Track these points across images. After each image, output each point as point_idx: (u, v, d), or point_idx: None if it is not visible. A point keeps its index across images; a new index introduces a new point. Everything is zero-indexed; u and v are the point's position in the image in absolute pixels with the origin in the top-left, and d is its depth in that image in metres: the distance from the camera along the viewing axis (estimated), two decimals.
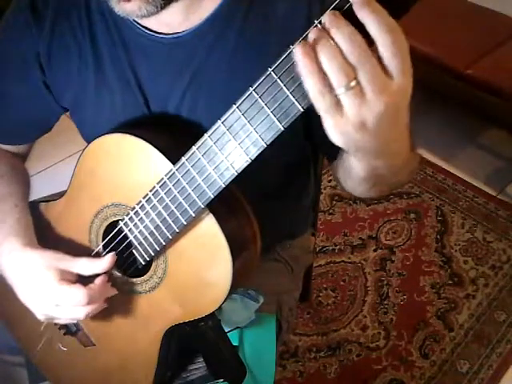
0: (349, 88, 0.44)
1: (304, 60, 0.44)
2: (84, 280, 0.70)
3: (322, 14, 0.45)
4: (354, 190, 0.73)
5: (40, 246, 0.76)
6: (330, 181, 2.13)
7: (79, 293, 0.68)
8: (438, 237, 1.94)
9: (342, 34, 0.43)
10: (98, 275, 0.70)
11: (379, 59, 0.44)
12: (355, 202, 2.06)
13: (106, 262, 0.69)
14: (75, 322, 0.76)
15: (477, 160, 2.22)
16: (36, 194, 0.90)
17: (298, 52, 0.45)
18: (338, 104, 0.45)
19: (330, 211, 2.03)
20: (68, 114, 0.84)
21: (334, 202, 2.06)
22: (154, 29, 0.69)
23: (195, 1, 0.66)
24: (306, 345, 1.63)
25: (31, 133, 0.89)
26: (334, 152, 0.73)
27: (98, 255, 0.75)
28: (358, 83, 0.44)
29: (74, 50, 0.74)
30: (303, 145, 0.82)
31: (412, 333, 1.66)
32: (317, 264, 1.81)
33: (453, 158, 2.22)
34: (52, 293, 0.70)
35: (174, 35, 0.68)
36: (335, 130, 0.47)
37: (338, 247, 1.91)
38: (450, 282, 1.80)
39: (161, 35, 0.69)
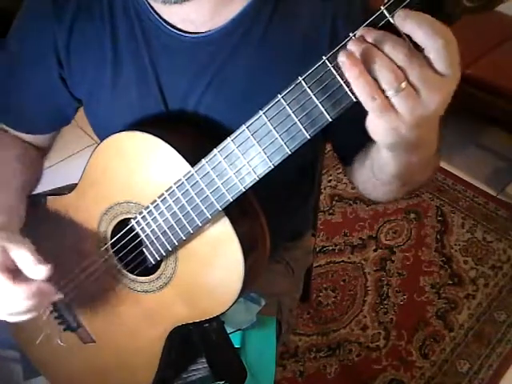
0: (399, 90, 0.44)
1: (350, 68, 0.44)
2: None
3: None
4: (377, 191, 0.72)
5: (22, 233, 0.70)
6: (329, 181, 2.13)
7: (14, 288, 0.62)
8: (438, 237, 1.94)
9: (383, 44, 0.44)
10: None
11: (429, 61, 0.44)
12: (355, 202, 2.06)
13: (41, 270, 0.63)
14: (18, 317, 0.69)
15: (477, 160, 2.22)
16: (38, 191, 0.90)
17: (343, 60, 0.44)
18: (390, 105, 0.45)
19: (330, 211, 2.03)
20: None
21: (334, 202, 2.06)
22: (178, 26, 0.69)
23: (221, 2, 0.66)
24: (306, 345, 1.63)
25: (46, 123, 0.87)
26: (352, 156, 0.73)
27: (106, 252, 0.74)
28: (409, 85, 0.44)
29: (94, 44, 0.73)
30: (316, 148, 0.82)
31: (412, 333, 1.66)
32: (317, 264, 1.81)
33: (453, 158, 2.22)
34: None
35: (199, 34, 0.68)
36: (385, 129, 0.46)
37: (337, 247, 1.91)
38: (450, 282, 1.80)
39: (185, 33, 0.68)
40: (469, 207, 2.05)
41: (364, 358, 1.60)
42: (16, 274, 0.64)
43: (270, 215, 0.68)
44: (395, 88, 0.44)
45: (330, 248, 1.90)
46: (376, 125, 0.47)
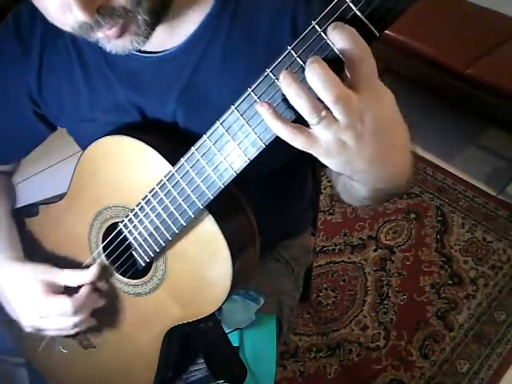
0: (321, 119, 0.45)
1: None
2: (71, 292, 0.73)
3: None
4: (354, 203, 0.73)
5: (27, 258, 0.79)
6: (329, 181, 2.13)
7: (65, 303, 0.71)
8: (438, 237, 1.94)
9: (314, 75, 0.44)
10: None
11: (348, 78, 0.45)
12: None
13: (90, 272, 0.73)
14: (63, 333, 0.78)
15: (477, 160, 2.22)
16: (36, 194, 0.90)
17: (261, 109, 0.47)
18: (315, 135, 0.47)
19: (330, 211, 2.03)
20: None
21: (334, 202, 2.06)
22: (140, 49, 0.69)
23: (177, 19, 0.66)
24: (306, 345, 1.63)
25: (20, 153, 0.89)
26: None
27: (98, 256, 0.75)
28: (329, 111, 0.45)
29: (64, 74, 0.73)
30: None
31: (412, 333, 1.66)
32: (317, 264, 1.81)
33: (453, 158, 2.22)
34: (38, 304, 0.72)
35: (161, 53, 0.68)
36: (321, 155, 0.48)
37: (338, 247, 1.91)
38: (450, 282, 1.80)
39: (147, 54, 0.68)
40: (469, 207, 2.05)
41: (364, 358, 1.60)
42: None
43: (261, 212, 0.68)
44: (316, 118, 0.45)
45: (330, 248, 1.91)
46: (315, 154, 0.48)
